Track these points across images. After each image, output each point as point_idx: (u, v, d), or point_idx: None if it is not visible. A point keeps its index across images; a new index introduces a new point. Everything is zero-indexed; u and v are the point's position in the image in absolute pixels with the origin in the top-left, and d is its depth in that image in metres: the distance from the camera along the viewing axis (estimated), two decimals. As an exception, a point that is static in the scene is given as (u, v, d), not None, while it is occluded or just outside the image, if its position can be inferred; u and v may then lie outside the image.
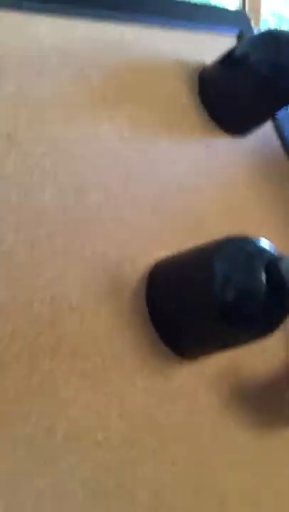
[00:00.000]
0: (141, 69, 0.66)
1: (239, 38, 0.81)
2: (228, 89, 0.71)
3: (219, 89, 0.71)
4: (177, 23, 0.73)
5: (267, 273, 0.47)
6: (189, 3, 0.79)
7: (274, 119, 0.78)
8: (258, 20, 1.10)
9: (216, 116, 0.71)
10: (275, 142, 0.77)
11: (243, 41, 0.72)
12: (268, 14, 1.63)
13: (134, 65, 0.66)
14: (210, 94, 0.71)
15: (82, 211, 0.53)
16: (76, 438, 0.45)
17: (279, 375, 0.58)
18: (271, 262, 0.48)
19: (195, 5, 0.79)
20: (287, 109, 0.77)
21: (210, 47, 0.76)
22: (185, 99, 0.69)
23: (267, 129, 0.77)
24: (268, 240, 0.50)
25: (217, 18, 0.80)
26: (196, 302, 0.52)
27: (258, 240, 0.50)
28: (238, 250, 0.50)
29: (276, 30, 0.70)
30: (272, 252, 0.49)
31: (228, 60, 0.70)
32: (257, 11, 1.11)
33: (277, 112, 0.71)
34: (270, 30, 0.71)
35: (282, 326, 0.49)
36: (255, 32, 0.83)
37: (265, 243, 0.50)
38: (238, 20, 0.84)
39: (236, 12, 1.02)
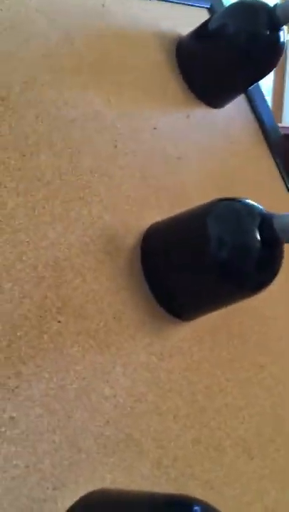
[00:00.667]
0: (123, 37, 0.66)
1: (210, 10, 0.83)
2: (205, 61, 0.72)
3: (196, 61, 0.73)
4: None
5: (260, 230, 0.50)
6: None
7: (247, 92, 0.81)
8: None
9: (195, 87, 0.72)
10: (249, 114, 0.80)
11: (218, 13, 0.73)
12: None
13: (116, 33, 0.66)
14: (187, 66, 0.72)
15: (77, 176, 0.54)
16: (86, 394, 0.46)
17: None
18: (264, 220, 0.50)
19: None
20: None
21: (184, 19, 0.77)
22: (165, 70, 0.70)
23: (240, 101, 0.80)
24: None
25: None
26: (191, 262, 0.54)
27: (249, 200, 0.53)
28: (231, 210, 0.53)
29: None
30: (263, 210, 0.52)
31: (204, 32, 0.72)
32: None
33: (254, 83, 0.74)
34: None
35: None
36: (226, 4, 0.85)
37: (254, 203, 0.52)
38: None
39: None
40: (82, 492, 0.43)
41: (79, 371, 0.47)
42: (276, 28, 0.67)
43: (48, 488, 0.41)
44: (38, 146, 0.52)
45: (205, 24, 0.73)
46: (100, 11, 0.65)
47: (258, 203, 0.52)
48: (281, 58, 0.70)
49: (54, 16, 0.59)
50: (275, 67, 0.70)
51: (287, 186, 0.81)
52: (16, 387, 0.42)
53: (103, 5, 0.66)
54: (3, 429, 0.40)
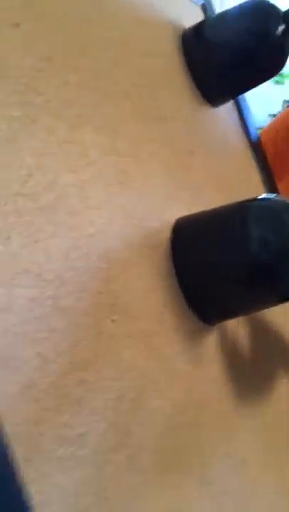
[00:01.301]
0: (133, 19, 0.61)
1: (204, 8, 0.81)
2: (211, 56, 0.70)
3: (202, 56, 0.70)
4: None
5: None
6: None
7: (235, 100, 0.80)
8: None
9: (198, 82, 0.69)
10: (237, 120, 0.79)
11: (226, 10, 0.71)
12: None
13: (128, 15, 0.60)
14: (192, 60, 0.69)
15: (117, 156, 0.48)
16: (140, 405, 0.40)
17: None
18: None
19: None
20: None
21: (184, 12, 0.74)
22: (172, 62, 0.66)
23: (229, 106, 0.78)
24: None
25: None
26: (224, 262, 0.51)
27: (279, 197, 0.51)
28: (267, 210, 0.51)
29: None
30: None
31: (215, 24, 0.69)
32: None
33: (257, 85, 0.72)
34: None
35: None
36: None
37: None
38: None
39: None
40: (145, 520, 0.37)
41: (132, 379, 0.41)
42: (287, 31, 0.67)
43: (116, 520, 0.35)
44: (82, 119, 0.45)
45: (214, 18, 0.71)
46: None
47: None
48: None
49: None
50: (281, 69, 0.70)
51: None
52: (82, 398, 0.35)
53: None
54: (73, 449, 0.33)
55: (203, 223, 0.53)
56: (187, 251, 0.52)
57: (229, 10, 0.70)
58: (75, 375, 0.36)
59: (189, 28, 0.71)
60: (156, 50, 0.64)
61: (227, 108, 0.78)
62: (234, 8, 0.69)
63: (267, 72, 0.71)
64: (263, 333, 0.59)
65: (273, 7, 0.68)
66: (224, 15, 0.71)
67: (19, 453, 0.30)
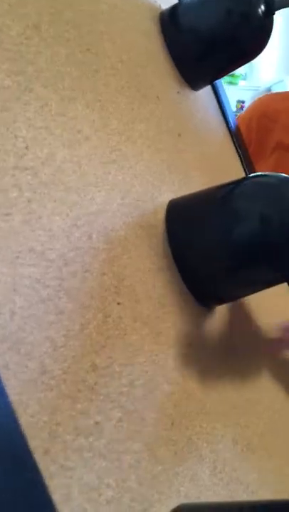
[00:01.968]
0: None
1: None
2: (191, 38, 0.68)
3: (182, 39, 0.68)
4: None
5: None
6: None
7: (213, 86, 0.79)
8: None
9: (179, 63, 0.67)
10: (216, 106, 0.78)
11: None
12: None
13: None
14: (173, 41, 0.67)
15: (108, 134, 0.45)
16: (151, 392, 0.38)
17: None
18: None
19: None
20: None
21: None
22: (153, 42, 0.64)
23: (208, 91, 0.77)
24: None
25: None
26: (226, 245, 0.49)
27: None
28: (264, 186, 0.49)
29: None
30: None
31: (193, 5, 0.68)
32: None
33: (237, 66, 0.71)
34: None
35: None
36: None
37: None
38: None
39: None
40: (165, 510, 0.35)
41: (142, 364, 0.38)
42: (270, 12, 0.66)
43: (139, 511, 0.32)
44: (74, 92, 0.42)
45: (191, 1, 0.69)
46: None
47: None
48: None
49: None
50: (262, 51, 0.69)
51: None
52: (95, 384, 0.33)
53: None
54: (91, 439, 0.31)
55: (199, 203, 0.51)
56: (184, 232, 0.50)
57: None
58: (86, 360, 0.33)
59: (166, 9, 0.69)
60: (139, 28, 0.62)
61: (206, 93, 0.76)
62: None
63: (247, 54, 0.70)
64: (264, 316, 0.57)
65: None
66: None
67: (37, 445, 0.27)
